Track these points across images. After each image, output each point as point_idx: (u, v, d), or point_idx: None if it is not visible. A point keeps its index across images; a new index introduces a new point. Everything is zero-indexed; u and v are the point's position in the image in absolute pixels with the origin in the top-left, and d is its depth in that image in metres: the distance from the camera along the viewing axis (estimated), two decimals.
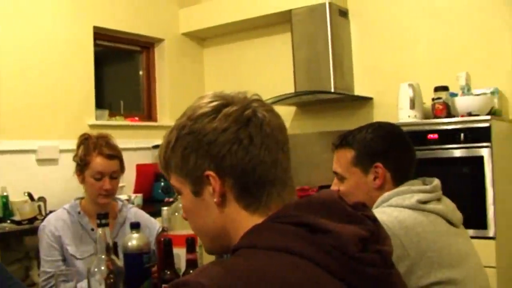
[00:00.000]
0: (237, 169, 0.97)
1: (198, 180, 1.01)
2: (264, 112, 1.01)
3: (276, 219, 0.93)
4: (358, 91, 4.34)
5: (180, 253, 1.80)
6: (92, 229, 2.32)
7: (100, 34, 4.49)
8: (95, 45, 4.42)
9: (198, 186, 1.02)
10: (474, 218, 3.21)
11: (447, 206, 1.70)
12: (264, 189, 0.99)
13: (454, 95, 3.64)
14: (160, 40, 5.01)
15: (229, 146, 0.97)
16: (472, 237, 3.06)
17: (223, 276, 0.83)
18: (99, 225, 1.74)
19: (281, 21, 4.61)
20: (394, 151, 1.75)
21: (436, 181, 1.72)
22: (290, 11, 4.41)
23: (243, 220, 0.98)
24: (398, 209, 1.60)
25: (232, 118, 0.98)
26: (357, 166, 1.76)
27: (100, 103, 4.47)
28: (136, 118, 4.78)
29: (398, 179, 1.72)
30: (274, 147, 1.00)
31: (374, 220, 1.02)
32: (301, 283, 0.84)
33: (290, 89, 4.32)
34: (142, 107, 5.04)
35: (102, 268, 1.69)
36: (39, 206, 3.51)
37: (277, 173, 1.00)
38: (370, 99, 4.29)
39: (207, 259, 1.92)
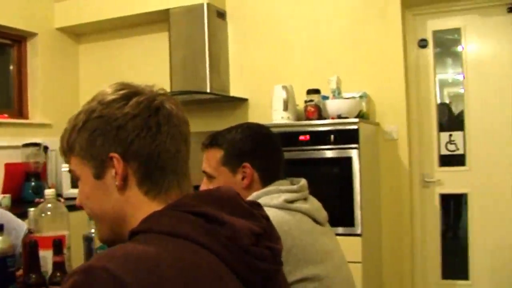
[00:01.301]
0: (143, 155, 1.00)
1: (102, 162, 1.02)
2: (171, 105, 1.05)
3: (176, 207, 0.95)
4: (234, 92, 4.37)
5: (47, 256, 1.71)
6: None
7: None
8: None
9: (101, 168, 1.02)
10: (343, 216, 3.33)
11: (313, 205, 1.75)
12: (166, 177, 1.02)
13: (325, 98, 3.76)
14: (33, 34, 4.72)
15: (138, 132, 1.00)
16: (341, 234, 3.25)
17: (128, 258, 0.83)
18: None
19: (159, 20, 4.53)
20: (262, 152, 1.78)
21: (303, 181, 1.77)
22: (168, 10, 4.35)
23: (143, 206, 1.00)
24: (266, 208, 1.61)
25: (143, 105, 1.01)
26: (225, 166, 1.77)
27: None
28: (5, 115, 4.49)
29: (266, 179, 1.75)
30: (178, 138, 1.04)
31: (267, 219, 1.07)
32: (201, 268, 0.87)
33: (166, 88, 4.25)
34: (12, 104, 4.75)
35: None
36: None
37: (179, 163, 1.04)
38: (246, 100, 4.34)
39: (75, 261, 1.85)
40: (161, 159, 1.01)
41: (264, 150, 1.79)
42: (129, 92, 1.03)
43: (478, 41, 3.97)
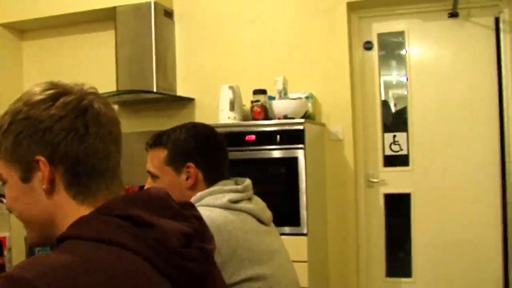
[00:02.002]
0: (70, 157, 0.97)
1: (28, 165, 0.98)
2: (100, 104, 1.02)
3: (103, 210, 0.93)
4: (181, 91, 4.33)
5: None
6: None
7: None
8: None
9: (28, 172, 0.99)
10: (289, 216, 3.35)
11: (257, 205, 1.76)
12: (94, 180, 1.00)
13: (272, 98, 3.77)
14: None
15: (65, 134, 0.97)
16: (287, 234, 3.27)
17: (49, 269, 0.80)
18: None
19: (105, 18, 4.45)
20: (206, 151, 1.77)
21: (248, 181, 1.78)
22: (114, 8, 4.27)
23: (71, 210, 0.98)
24: (210, 209, 1.62)
25: (70, 106, 0.98)
26: (169, 166, 1.76)
27: None
28: None
29: (210, 179, 1.75)
30: (108, 139, 1.02)
31: (200, 219, 1.06)
32: (127, 274, 0.85)
33: (112, 87, 4.21)
34: None
35: None
36: None
37: (109, 165, 1.02)
38: (192, 99, 4.31)
39: (17, 263, 1.81)
40: (89, 161, 0.99)
41: (208, 150, 1.78)
42: (56, 93, 1.00)
43: (420, 44, 4.07)
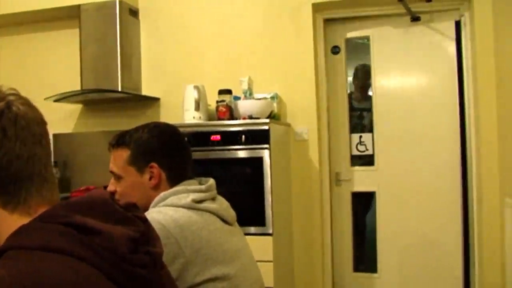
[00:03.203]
0: None
1: None
2: (19, 105, 0.94)
3: (45, 218, 0.88)
4: (146, 91, 4.31)
5: None
6: None
7: None
8: None
9: None
10: (254, 215, 3.35)
11: (221, 205, 1.76)
12: (22, 186, 0.93)
13: (237, 98, 3.78)
14: None
15: None
16: (252, 234, 3.28)
17: None
18: None
19: (69, 16, 4.39)
20: (169, 151, 1.77)
21: (211, 181, 1.78)
22: (79, 6, 4.22)
23: (3, 220, 0.92)
24: (174, 208, 1.61)
25: None
26: (132, 166, 1.75)
27: None
28: None
29: (174, 179, 1.74)
30: (30, 140, 0.94)
31: (145, 221, 1.02)
32: (76, 283, 0.81)
33: (76, 86, 4.16)
34: None
35: None
36: None
37: (35, 169, 0.95)
38: (157, 99, 4.29)
39: None
40: (12, 167, 0.91)
41: (172, 150, 1.78)
42: None
43: (385, 48, 4.12)
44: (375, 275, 4.16)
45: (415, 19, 3.99)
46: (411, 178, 4.04)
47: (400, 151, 4.08)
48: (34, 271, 0.80)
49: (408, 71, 4.07)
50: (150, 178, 1.73)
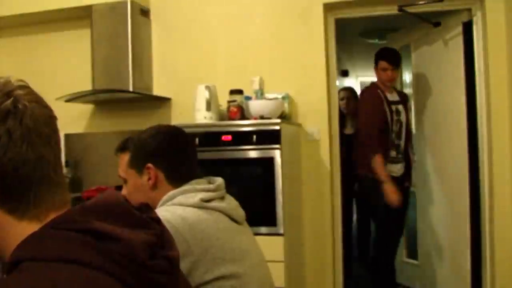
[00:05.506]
0: None
1: None
2: (26, 103, 0.88)
3: (59, 225, 0.83)
4: (157, 91, 4.31)
5: None
6: None
7: None
8: None
9: None
10: (265, 216, 3.34)
11: (230, 204, 1.76)
12: (30, 190, 0.87)
13: (248, 98, 3.77)
14: None
15: None
16: (263, 234, 3.27)
17: None
18: None
19: (81, 16, 4.41)
20: (165, 151, 1.78)
21: (220, 180, 1.78)
22: (90, 6, 4.24)
23: (11, 227, 0.87)
24: (182, 207, 1.62)
25: None
26: (132, 168, 1.79)
27: None
28: None
29: (173, 179, 1.75)
30: (38, 141, 0.88)
31: (158, 221, 0.99)
32: None
33: (88, 86, 4.18)
34: None
35: None
36: None
37: (44, 172, 0.89)
38: (169, 99, 4.29)
39: None
40: (19, 171, 0.86)
41: (168, 150, 1.79)
42: None
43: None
44: None
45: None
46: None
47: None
48: (49, 286, 0.76)
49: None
50: (148, 179, 1.76)
